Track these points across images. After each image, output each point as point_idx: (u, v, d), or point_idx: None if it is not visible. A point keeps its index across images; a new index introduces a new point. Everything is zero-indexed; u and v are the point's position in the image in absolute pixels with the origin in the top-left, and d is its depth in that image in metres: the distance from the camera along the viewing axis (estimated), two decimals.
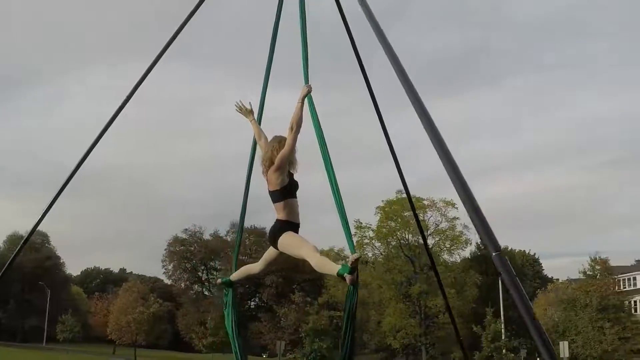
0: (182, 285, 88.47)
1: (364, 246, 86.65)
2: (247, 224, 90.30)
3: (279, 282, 78.13)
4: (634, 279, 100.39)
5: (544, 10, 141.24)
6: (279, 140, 7.96)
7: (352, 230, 77.13)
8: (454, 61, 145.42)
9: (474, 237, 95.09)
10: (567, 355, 62.30)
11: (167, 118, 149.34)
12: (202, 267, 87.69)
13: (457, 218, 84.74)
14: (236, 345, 9.00)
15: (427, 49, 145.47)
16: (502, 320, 70.81)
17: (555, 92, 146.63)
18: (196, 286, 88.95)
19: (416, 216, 10.10)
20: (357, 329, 66.97)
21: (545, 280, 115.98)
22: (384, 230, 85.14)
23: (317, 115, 8.23)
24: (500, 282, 74.64)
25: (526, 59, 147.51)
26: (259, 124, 8.98)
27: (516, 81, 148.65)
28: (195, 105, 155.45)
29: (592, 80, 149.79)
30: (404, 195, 79.82)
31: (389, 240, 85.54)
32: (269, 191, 8.01)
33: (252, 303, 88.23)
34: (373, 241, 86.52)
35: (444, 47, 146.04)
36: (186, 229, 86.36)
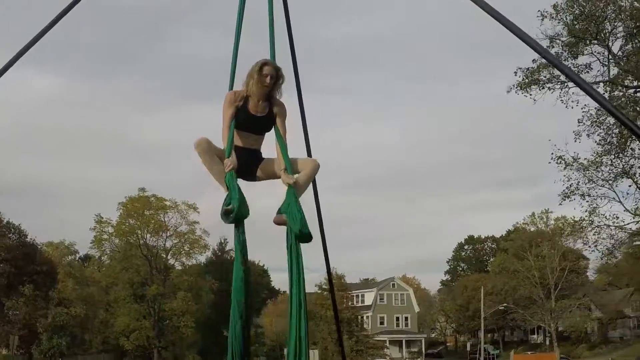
0: None
1: (103, 242, 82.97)
2: None
3: (10, 272, 72.12)
4: (363, 296, 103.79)
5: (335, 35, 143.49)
6: None
7: (92, 225, 72.65)
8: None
9: (213, 242, 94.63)
10: None
11: None
12: None
13: (198, 222, 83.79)
14: (240, 320, 6.56)
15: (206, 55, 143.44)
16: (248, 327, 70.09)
17: (323, 115, 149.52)
18: None
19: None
20: (80, 326, 62.45)
21: (274, 292, 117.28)
22: (124, 227, 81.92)
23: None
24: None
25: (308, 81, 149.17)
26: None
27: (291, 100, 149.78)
28: None
29: (356, 108, 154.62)
30: (147, 193, 77.24)
31: (128, 238, 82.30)
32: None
33: None
34: (112, 237, 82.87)
35: (222, 55, 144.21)
36: None
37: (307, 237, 6.68)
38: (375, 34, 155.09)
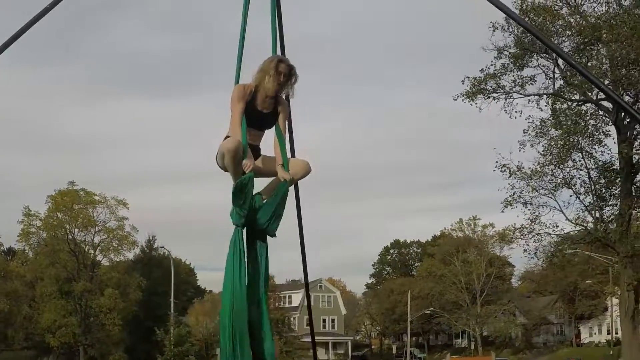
0: None
1: (31, 235, 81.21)
2: None
3: None
4: (290, 297, 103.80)
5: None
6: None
7: (20, 217, 70.64)
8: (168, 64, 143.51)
9: (141, 239, 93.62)
10: None
11: None
12: None
13: (127, 218, 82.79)
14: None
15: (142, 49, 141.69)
16: (172, 323, 69.64)
17: None
18: None
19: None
20: (3, 321, 61.15)
21: (200, 291, 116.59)
22: (53, 221, 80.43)
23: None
24: (172, 288, 73.82)
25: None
26: None
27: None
28: None
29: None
30: (77, 186, 75.81)
31: (57, 232, 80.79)
32: None
33: None
34: (40, 231, 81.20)
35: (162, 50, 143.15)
36: None
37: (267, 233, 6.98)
38: (311, 33, 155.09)
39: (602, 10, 40.05)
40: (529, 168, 41.55)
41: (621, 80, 38.95)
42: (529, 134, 41.14)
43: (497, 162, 41.88)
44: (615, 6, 39.89)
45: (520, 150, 41.78)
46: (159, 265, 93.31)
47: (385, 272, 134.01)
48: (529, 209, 41.85)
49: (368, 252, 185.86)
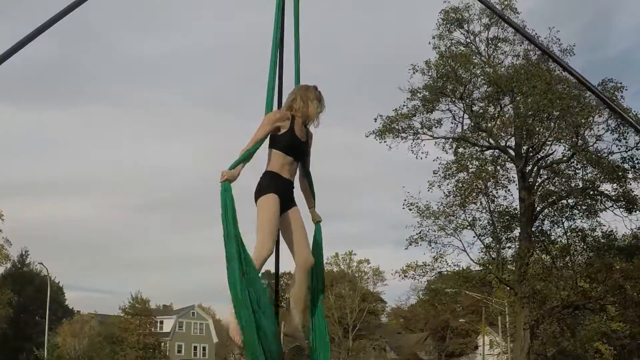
0: None
1: None
2: None
3: None
4: (162, 322, 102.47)
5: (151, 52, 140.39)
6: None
7: None
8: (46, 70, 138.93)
9: (14, 253, 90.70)
10: None
11: None
12: None
13: (0, 230, 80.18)
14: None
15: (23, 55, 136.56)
16: (50, 344, 68.05)
17: (121, 127, 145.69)
18: None
19: None
20: None
21: (68, 311, 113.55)
22: None
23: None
24: (48, 307, 72.24)
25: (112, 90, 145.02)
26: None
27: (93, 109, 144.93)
28: None
29: (153, 125, 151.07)
30: None
31: None
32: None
33: None
34: None
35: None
36: None
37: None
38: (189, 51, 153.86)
39: (510, 63, 42.25)
40: (438, 208, 42.85)
41: (523, 131, 40.96)
42: (439, 175, 42.50)
43: (405, 200, 43.05)
44: (522, 60, 42.11)
45: (429, 191, 43.05)
46: (30, 282, 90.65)
47: None
48: (432, 247, 43.22)
49: None
